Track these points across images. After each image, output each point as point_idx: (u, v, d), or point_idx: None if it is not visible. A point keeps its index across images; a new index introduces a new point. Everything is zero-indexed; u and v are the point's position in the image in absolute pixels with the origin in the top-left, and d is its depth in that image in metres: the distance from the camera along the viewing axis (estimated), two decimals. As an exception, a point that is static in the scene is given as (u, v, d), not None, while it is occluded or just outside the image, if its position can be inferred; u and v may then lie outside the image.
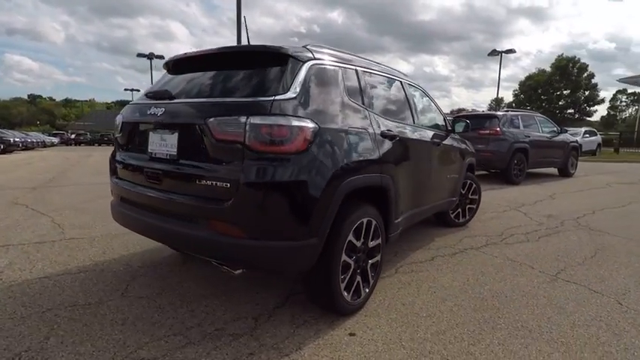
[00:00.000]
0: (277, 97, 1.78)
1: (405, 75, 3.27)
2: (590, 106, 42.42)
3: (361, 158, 2.11)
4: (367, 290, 2.29)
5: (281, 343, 1.89)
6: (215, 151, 1.79)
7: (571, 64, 41.47)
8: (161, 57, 31.64)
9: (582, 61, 41.61)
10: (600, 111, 46.67)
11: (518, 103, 43.41)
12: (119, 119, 2.37)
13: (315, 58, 2.09)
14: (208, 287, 2.52)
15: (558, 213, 5.23)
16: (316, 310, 2.22)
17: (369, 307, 2.31)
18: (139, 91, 51.47)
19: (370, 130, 2.26)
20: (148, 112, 2.06)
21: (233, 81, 2.01)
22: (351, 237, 2.06)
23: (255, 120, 1.70)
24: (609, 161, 15.99)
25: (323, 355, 1.82)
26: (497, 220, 4.80)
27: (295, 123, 1.76)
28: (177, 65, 2.40)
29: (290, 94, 1.82)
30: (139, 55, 29.21)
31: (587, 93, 41.58)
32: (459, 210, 4.38)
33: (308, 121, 1.82)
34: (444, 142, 3.45)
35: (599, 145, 19.73)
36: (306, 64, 2.00)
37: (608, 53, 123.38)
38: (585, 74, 41.23)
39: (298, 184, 1.75)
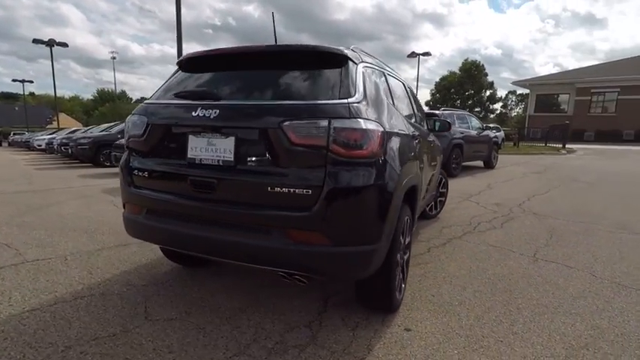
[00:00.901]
0: (350, 100, 1.75)
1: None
2: (492, 104, 48.80)
3: (409, 159, 2.19)
4: (404, 286, 2.39)
5: (349, 348, 1.89)
6: (290, 156, 1.70)
7: (474, 67, 46.95)
8: (63, 44, 27.65)
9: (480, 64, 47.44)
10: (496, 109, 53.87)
11: (435, 101, 47.79)
12: (140, 121, 2.05)
13: (363, 61, 2.10)
14: (239, 300, 2.37)
15: (502, 201, 5.95)
16: (361, 310, 2.25)
17: (405, 302, 2.41)
18: (32, 82, 44.32)
19: (407, 132, 2.35)
20: (194, 114, 1.84)
21: (289, 82, 1.91)
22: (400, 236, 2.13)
23: (338, 124, 1.65)
24: (513, 154, 18.55)
25: (395, 353, 1.86)
26: (458, 210, 5.30)
27: (370, 126, 1.76)
28: (199, 63, 2.19)
29: (357, 97, 1.80)
30: (36, 41, 25.12)
31: (488, 93, 47.64)
32: (432, 203, 4.73)
33: (378, 124, 1.83)
34: (433, 141, 3.71)
35: (502, 139, 22.74)
36: (359, 66, 1.99)
37: (497, 58, 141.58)
38: (483, 76, 47.08)
39: (378, 187, 1.76)
